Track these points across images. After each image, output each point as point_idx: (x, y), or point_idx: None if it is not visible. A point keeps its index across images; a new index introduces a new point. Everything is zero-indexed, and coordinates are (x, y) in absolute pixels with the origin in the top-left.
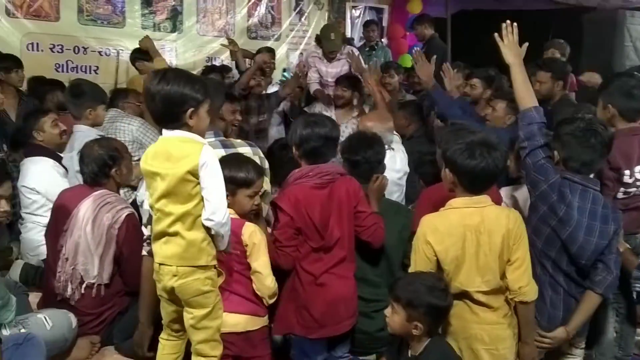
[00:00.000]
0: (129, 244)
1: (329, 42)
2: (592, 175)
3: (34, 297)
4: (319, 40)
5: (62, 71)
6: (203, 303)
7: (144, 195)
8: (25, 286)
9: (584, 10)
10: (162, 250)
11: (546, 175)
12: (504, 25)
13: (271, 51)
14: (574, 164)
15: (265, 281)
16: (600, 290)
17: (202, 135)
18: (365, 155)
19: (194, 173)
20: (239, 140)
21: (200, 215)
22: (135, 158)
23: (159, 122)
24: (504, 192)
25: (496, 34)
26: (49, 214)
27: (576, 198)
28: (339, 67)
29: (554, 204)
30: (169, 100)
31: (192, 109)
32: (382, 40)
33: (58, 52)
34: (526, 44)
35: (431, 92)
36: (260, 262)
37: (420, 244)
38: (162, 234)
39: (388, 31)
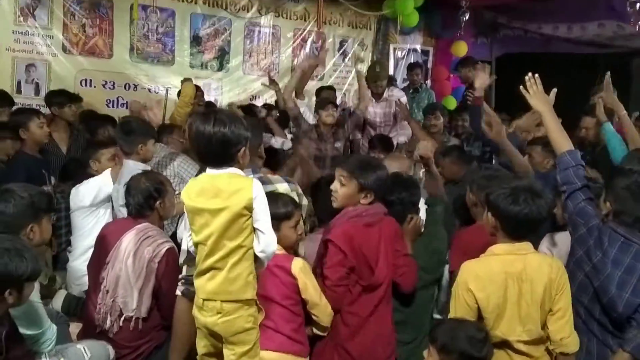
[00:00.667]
0: (168, 278)
1: (373, 72)
2: None
3: (75, 328)
4: (366, 79)
5: (113, 107)
6: (245, 340)
7: (183, 232)
8: (66, 316)
9: (633, 55)
10: (207, 285)
11: (586, 219)
12: (526, 77)
13: (332, 89)
14: (626, 219)
15: (326, 310)
16: (629, 349)
17: (242, 170)
18: (400, 196)
19: (249, 207)
20: (276, 177)
21: (250, 248)
22: (177, 192)
23: (210, 162)
24: (546, 239)
25: (521, 87)
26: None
27: (614, 248)
28: (385, 108)
29: (590, 248)
30: (227, 141)
31: (244, 148)
32: (427, 82)
33: (110, 88)
34: (554, 90)
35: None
36: (317, 293)
37: (461, 291)
38: (209, 269)
39: (432, 73)
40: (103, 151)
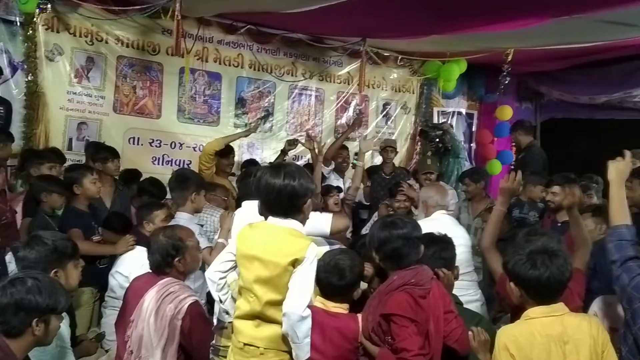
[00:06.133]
0: (197, 332)
1: (424, 165)
2: None
3: None
4: (416, 170)
5: (158, 164)
6: None
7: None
8: None
9: None
10: (252, 331)
11: None
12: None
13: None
14: None
15: None
16: None
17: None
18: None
19: (295, 265)
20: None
21: None
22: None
23: (276, 213)
24: (598, 301)
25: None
26: None
27: None
28: None
29: None
30: (296, 194)
31: (309, 200)
32: (471, 145)
33: (156, 146)
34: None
35: None
36: None
37: (502, 357)
38: (254, 316)
39: (476, 136)
40: (157, 212)
